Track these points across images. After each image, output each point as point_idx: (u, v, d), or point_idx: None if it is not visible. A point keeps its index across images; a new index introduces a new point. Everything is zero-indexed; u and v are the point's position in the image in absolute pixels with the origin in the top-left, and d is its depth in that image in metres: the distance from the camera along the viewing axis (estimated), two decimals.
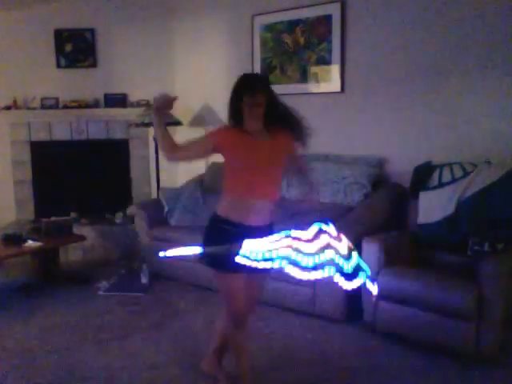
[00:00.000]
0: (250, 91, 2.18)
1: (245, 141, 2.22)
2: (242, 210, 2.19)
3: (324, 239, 1.88)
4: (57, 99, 5.15)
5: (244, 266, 2.19)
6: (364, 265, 1.95)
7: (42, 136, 5.23)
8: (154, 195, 4.97)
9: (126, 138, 5.26)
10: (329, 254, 1.83)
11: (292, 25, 4.31)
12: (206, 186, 4.49)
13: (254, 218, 2.19)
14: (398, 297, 2.92)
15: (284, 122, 2.25)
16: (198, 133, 5.04)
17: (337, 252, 1.85)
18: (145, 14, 5.13)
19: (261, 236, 2.17)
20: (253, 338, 2.50)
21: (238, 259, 1.93)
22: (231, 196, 2.23)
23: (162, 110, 2.28)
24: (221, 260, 2.20)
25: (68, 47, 5.15)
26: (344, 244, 1.91)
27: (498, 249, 2.93)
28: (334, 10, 4.04)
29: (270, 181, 2.25)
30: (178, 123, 4.83)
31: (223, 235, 2.18)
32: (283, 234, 1.96)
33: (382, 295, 2.98)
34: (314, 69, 4.25)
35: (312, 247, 1.86)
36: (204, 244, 2.25)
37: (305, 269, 1.84)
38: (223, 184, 2.28)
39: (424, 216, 3.27)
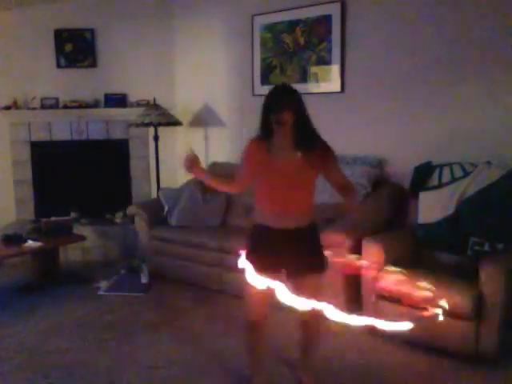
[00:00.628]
0: (275, 108, 2.13)
1: (267, 160, 2.21)
2: (268, 217, 2.24)
3: None
4: (57, 99, 5.15)
5: (275, 264, 2.21)
6: None
7: (42, 136, 5.23)
8: (154, 195, 4.98)
9: (126, 138, 5.26)
10: None
11: (292, 25, 4.31)
12: (205, 185, 4.48)
13: (284, 223, 2.21)
14: (397, 297, 2.91)
15: (309, 142, 2.19)
16: (198, 132, 5.10)
17: None
18: (145, 14, 5.13)
19: (298, 238, 2.22)
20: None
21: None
22: (258, 206, 2.31)
23: (193, 169, 2.31)
24: (254, 259, 2.22)
25: (68, 47, 5.15)
26: None
27: (497, 249, 2.94)
28: (334, 10, 4.04)
29: (294, 198, 2.22)
30: (178, 123, 4.84)
31: (260, 236, 2.28)
32: None
33: (381, 295, 2.98)
34: (313, 69, 4.25)
35: None
36: (247, 247, 2.32)
37: None
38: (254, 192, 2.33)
39: (424, 216, 3.27)
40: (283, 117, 2.12)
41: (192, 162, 2.29)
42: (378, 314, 3.00)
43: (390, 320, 1.98)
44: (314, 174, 2.24)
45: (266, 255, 2.21)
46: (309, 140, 2.19)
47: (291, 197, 2.21)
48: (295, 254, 2.22)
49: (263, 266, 2.17)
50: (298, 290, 2.28)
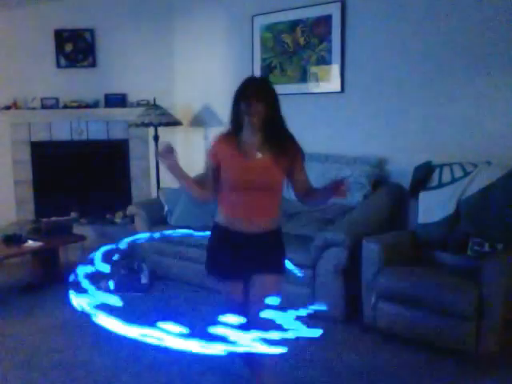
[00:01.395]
0: (246, 98, 2.01)
1: (234, 157, 2.09)
2: (231, 220, 2.12)
3: None
4: (57, 99, 5.15)
5: (237, 272, 2.13)
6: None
7: (42, 136, 5.24)
8: (154, 195, 4.98)
9: (126, 138, 5.27)
10: None
11: (292, 25, 4.31)
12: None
13: (249, 227, 2.10)
14: (397, 297, 2.92)
15: (280, 141, 2.08)
16: (198, 132, 5.10)
17: None
18: (145, 14, 5.13)
19: (260, 242, 2.10)
20: None
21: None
22: (221, 206, 2.17)
23: (168, 158, 2.09)
24: (214, 267, 2.20)
25: (68, 47, 5.15)
26: None
27: (497, 249, 2.94)
28: (334, 10, 4.04)
29: (261, 200, 2.10)
30: (178, 123, 4.83)
31: (221, 241, 2.16)
32: None
33: (381, 295, 2.98)
34: (313, 69, 4.24)
35: None
36: (207, 251, 2.24)
37: None
38: (218, 191, 2.17)
39: (424, 216, 3.27)
40: (255, 107, 1.99)
41: (170, 152, 2.09)
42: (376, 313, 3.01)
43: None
44: (282, 174, 2.12)
45: (227, 263, 2.13)
46: (280, 139, 2.08)
47: (258, 199, 2.09)
48: (256, 259, 2.10)
49: (223, 274, 2.16)
50: (255, 288, 2.14)
